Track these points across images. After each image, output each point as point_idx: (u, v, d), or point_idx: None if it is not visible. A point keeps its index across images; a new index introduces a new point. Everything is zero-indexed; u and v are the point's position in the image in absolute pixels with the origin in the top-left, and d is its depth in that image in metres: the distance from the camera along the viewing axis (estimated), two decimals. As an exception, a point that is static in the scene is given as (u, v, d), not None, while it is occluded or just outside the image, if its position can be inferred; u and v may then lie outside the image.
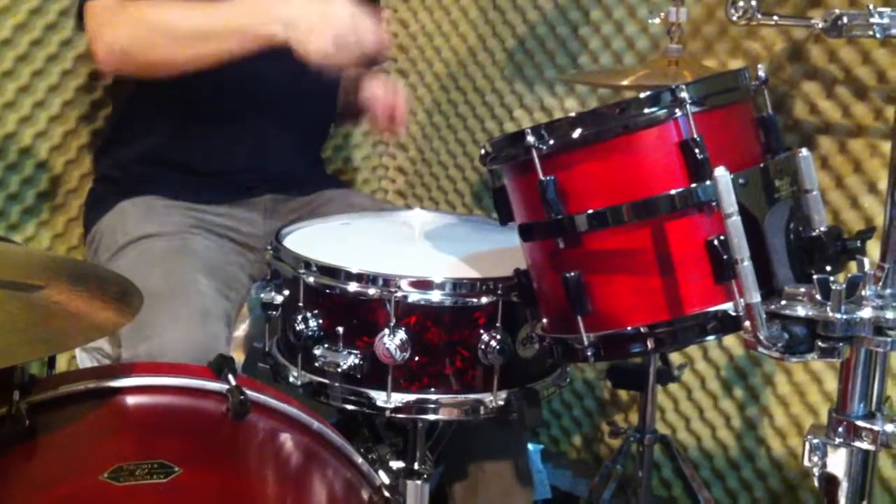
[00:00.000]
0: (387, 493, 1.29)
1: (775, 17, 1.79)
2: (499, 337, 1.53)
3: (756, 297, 1.12)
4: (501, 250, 1.69)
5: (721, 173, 1.14)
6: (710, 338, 1.41)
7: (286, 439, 1.28)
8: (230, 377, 1.28)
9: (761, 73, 1.38)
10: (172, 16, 1.80)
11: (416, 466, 1.69)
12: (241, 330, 1.94)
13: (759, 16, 1.74)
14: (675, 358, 2.08)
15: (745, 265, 1.13)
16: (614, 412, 2.43)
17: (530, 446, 2.38)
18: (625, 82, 1.87)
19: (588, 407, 2.48)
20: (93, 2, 1.85)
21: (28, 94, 2.16)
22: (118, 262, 1.84)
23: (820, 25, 1.65)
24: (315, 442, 1.31)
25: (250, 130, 2.00)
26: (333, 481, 1.24)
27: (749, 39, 2.09)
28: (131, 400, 1.24)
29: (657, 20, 1.89)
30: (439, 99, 2.69)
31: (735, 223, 1.13)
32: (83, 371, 1.31)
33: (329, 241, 1.76)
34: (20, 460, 1.14)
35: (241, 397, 1.23)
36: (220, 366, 1.31)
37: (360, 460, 1.35)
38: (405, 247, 1.78)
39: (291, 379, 1.61)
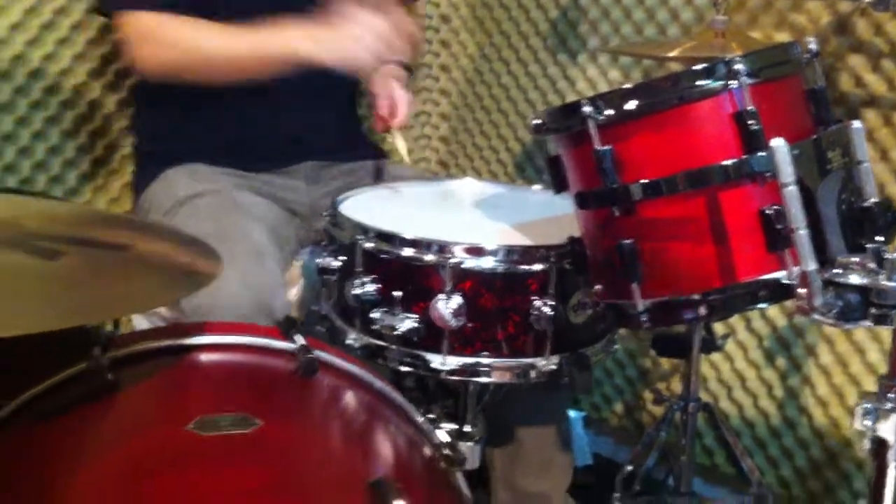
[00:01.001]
0: (447, 451, 1.33)
1: (824, -9, 1.81)
2: (551, 303, 1.57)
3: (813, 265, 1.15)
4: (550, 218, 1.72)
5: (778, 144, 1.18)
6: (762, 305, 1.45)
7: (351, 397, 1.33)
8: (297, 337, 1.34)
9: (812, 46, 1.41)
10: (212, 42, 1.86)
11: (466, 428, 1.75)
12: (294, 294, 1.99)
13: (806, -13, 1.77)
14: (718, 328, 2.11)
15: (802, 234, 1.16)
16: (656, 380, 2.46)
17: (572, 413, 2.44)
18: (672, 54, 1.90)
19: (630, 375, 2.51)
20: (132, 14, 1.90)
21: (86, 60, 2.21)
22: (171, 222, 1.89)
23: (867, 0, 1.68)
24: (378, 400, 1.36)
25: (288, 96, 2.01)
26: (397, 437, 1.29)
27: (794, 12, 2.10)
28: (205, 357, 1.29)
29: (705, -7, 1.92)
30: (482, 69, 2.72)
31: (792, 192, 1.17)
32: (156, 330, 1.37)
33: (383, 207, 1.80)
34: (103, 412, 1.19)
35: (310, 356, 1.28)
36: (288, 326, 1.36)
37: (420, 419, 1.40)
38: (457, 214, 1.82)
39: (349, 341, 1.65)
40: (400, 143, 2.03)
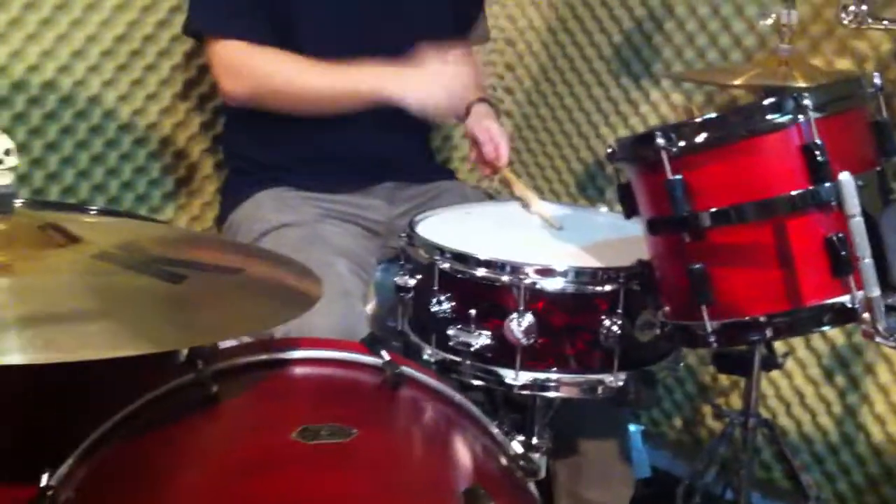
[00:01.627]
0: (522, 462, 1.41)
1: (886, 22, 1.85)
2: (619, 322, 1.63)
3: (876, 292, 1.22)
4: (617, 240, 1.79)
5: (846, 178, 1.24)
6: (826, 328, 1.50)
7: (433, 409, 1.40)
8: (383, 353, 1.42)
9: (877, 81, 1.46)
10: (301, 77, 1.99)
11: (534, 441, 1.83)
12: (368, 309, 2.08)
13: (870, 20, 1.82)
14: (778, 346, 2.16)
15: (867, 262, 1.23)
16: (714, 396, 2.52)
17: (632, 427, 2.50)
18: (737, 81, 1.96)
19: (689, 391, 2.57)
20: (221, 42, 2.01)
21: (168, 86, 2.33)
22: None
23: (927, 31, 1.74)
24: (457, 412, 1.43)
25: (372, 121, 2.09)
26: (476, 447, 1.36)
27: (856, 39, 2.16)
28: (299, 370, 1.38)
29: (769, 22, 1.97)
30: (545, 91, 2.80)
31: (858, 224, 1.23)
32: (252, 345, 1.45)
33: (458, 228, 1.87)
34: (209, 421, 1.28)
35: (397, 371, 1.37)
36: (374, 343, 1.45)
37: (496, 431, 1.46)
38: (527, 235, 1.89)
39: (425, 356, 1.73)
40: (518, 187, 2.09)
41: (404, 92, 1.93)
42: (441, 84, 1.94)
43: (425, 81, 1.93)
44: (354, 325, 1.79)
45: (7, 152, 1.12)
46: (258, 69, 2.00)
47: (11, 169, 1.13)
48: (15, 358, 0.94)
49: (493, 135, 2.13)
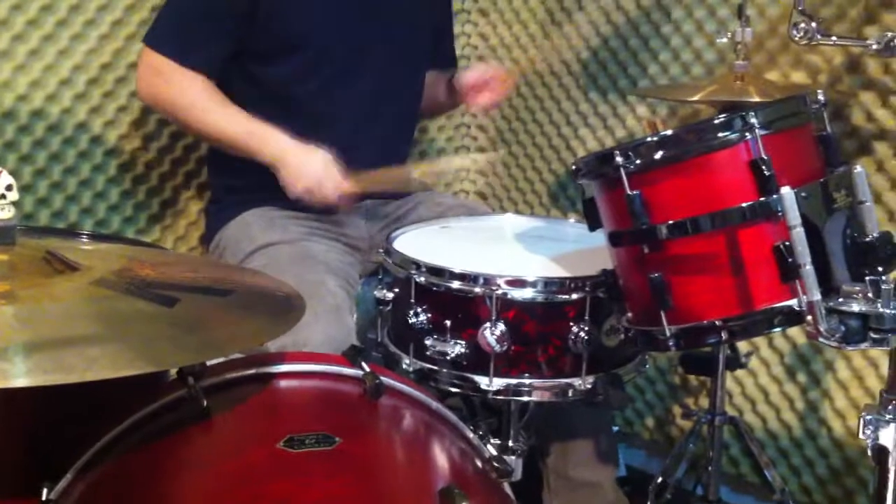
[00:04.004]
0: (496, 464, 1.49)
1: (834, 38, 1.94)
2: (587, 328, 1.73)
3: (817, 296, 1.31)
4: (584, 250, 1.89)
5: (786, 192, 1.34)
6: (777, 330, 1.59)
7: (412, 416, 1.48)
8: (364, 364, 1.51)
9: (821, 97, 1.57)
10: (197, 112, 2.14)
11: (510, 443, 1.92)
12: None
13: (819, 36, 1.91)
14: (742, 346, 2.25)
15: (808, 269, 1.32)
16: (684, 396, 2.61)
17: (606, 428, 2.59)
18: (695, 98, 2.06)
19: (660, 391, 2.66)
20: (152, 53, 2.14)
21: (153, 112, 2.38)
22: (248, 266, 2.08)
23: (874, 46, 1.84)
24: (435, 419, 1.51)
25: (347, 142, 2.17)
26: (453, 451, 1.44)
27: (810, 53, 2.24)
28: (284, 383, 1.46)
29: (725, 39, 2.07)
30: (517, 105, 2.90)
31: (799, 233, 1.33)
32: (240, 360, 1.53)
33: (433, 243, 1.97)
34: (199, 436, 1.35)
35: (377, 381, 1.45)
36: (355, 355, 1.54)
37: (471, 435, 1.55)
38: (500, 247, 1.99)
39: (404, 366, 1.82)
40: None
41: (275, 162, 2.09)
42: (303, 172, 2.08)
43: (294, 160, 2.08)
44: (345, 338, 1.88)
45: (9, 188, 1.21)
46: (170, 91, 2.14)
47: (13, 203, 1.22)
48: (24, 381, 1.03)
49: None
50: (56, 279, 1.23)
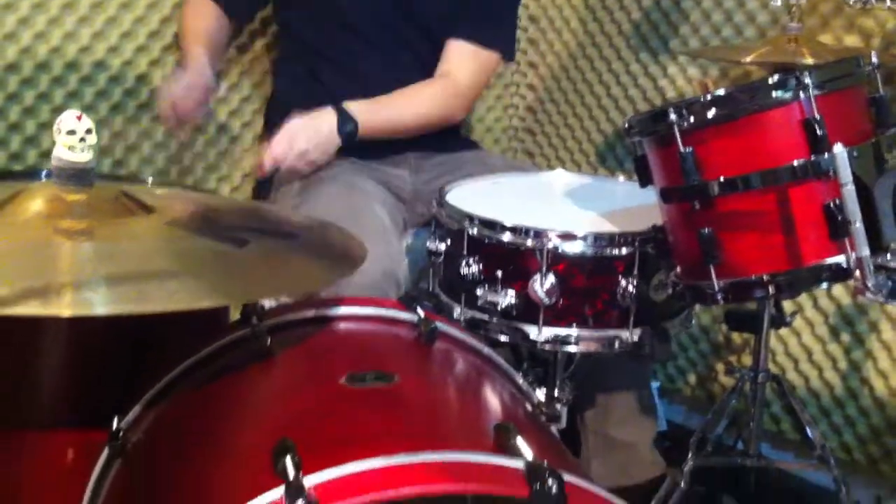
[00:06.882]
0: (545, 408, 1.55)
1: (888, 2, 1.94)
2: (635, 283, 1.76)
3: (866, 252, 1.34)
4: (633, 207, 1.91)
5: (839, 150, 1.36)
6: (823, 286, 1.62)
7: (464, 360, 1.54)
8: (419, 309, 1.56)
9: (874, 59, 1.58)
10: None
11: (555, 393, 1.97)
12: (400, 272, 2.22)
13: (874, 1, 1.93)
14: (787, 306, 2.27)
15: (858, 226, 1.35)
16: (727, 354, 2.64)
17: (648, 383, 2.63)
18: (748, 59, 2.08)
19: (702, 349, 2.69)
20: None
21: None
22: (302, 204, 2.14)
23: (929, 9, 1.84)
24: (486, 364, 1.57)
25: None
26: (503, 394, 1.50)
27: (863, 17, 2.24)
28: (343, 325, 1.53)
29: (778, 2, 2.08)
30: (567, 65, 2.91)
31: (850, 191, 1.35)
32: (300, 303, 1.60)
33: (485, 197, 2.00)
34: (262, 373, 1.42)
35: (432, 326, 1.51)
36: (410, 300, 1.59)
37: (521, 381, 1.61)
38: (550, 203, 2.03)
39: (455, 315, 1.86)
40: None
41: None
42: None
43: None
44: (395, 264, 1.99)
45: (88, 131, 1.26)
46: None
47: (92, 146, 1.28)
48: (106, 309, 1.09)
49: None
50: (131, 219, 1.29)
